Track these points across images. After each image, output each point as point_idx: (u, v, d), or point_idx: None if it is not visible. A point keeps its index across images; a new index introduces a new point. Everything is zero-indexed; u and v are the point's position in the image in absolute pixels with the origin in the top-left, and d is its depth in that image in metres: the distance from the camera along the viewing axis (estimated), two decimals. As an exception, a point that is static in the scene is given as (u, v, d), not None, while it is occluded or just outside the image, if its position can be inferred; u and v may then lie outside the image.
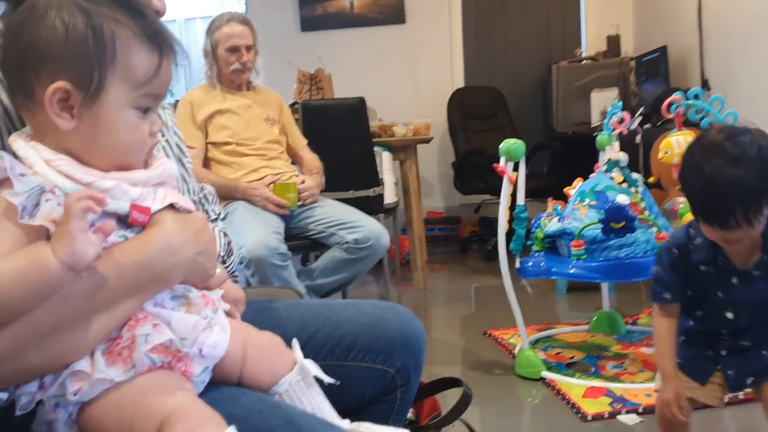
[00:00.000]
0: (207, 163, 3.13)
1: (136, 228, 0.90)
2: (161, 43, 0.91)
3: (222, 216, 1.49)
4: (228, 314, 1.03)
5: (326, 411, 1.03)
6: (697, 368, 1.72)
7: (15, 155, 0.87)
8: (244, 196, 3.00)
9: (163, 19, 1.14)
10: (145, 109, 0.91)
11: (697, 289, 1.69)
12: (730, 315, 1.67)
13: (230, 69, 3.16)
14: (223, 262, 1.33)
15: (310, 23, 6.22)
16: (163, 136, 1.30)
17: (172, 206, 0.94)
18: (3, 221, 0.82)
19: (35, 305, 0.81)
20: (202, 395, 0.92)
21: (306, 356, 1.06)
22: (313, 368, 1.04)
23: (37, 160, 0.85)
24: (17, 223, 0.82)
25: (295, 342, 1.07)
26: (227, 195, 2.96)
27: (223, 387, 0.98)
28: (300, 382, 1.02)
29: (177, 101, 3.30)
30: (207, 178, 2.91)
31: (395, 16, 6.20)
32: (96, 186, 0.86)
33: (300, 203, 3.03)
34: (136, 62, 0.88)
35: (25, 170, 0.84)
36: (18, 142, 0.88)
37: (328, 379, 1.04)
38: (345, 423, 1.04)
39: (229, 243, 1.38)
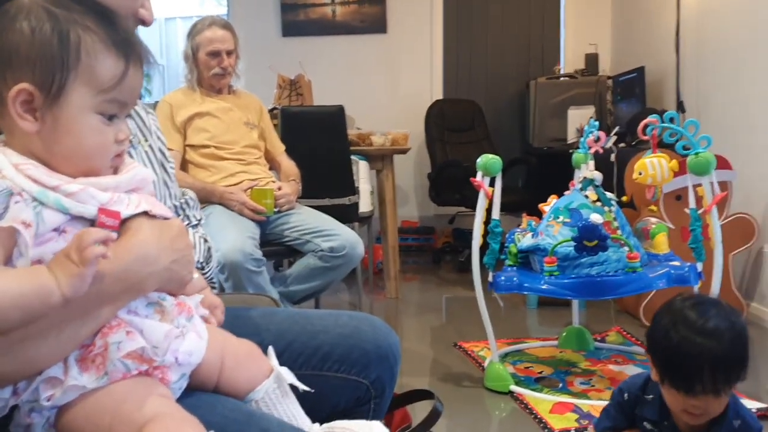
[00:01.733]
0: (184, 165, 3.11)
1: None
2: (129, 51, 0.92)
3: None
4: (205, 320, 1.03)
5: (300, 419, 1.04)
6: None
7: None
8: (220, 200, 2.99)
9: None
10: (110, 115, 0.91)
11: None
12: None
13: (210, 73, 3.15)
14: (201, 269, 1.33)
15: (291, 29, 6.22)
16: (146, 141, 1.31)
17: (146, 213, 0.94)
18: None
19: (22, 327, 0.81)
20: (177, 401, 0.92)
21: (282, 365, 1.06)
22: (289, 376, 1.04)
23: (5, 165, 0.86)
24: None
25: (270, 350, 1.08)
26: (204, 198, 2.94)
27: (199, 393, 0.98)
28: (276, 390, 1.03)
29: (156, 102, 3.29)
30: (184, 181, 2.89)
31: (377, 25, 6.21)
32: (62, 190, 0.86)
33: (276, 210, 3.03)
34: (100, 68, 0.89)
35: None
36: None
37: (303, 387, 1.05)
38: (315, 427, 1.04)
39: (208, 249, 1.38)
